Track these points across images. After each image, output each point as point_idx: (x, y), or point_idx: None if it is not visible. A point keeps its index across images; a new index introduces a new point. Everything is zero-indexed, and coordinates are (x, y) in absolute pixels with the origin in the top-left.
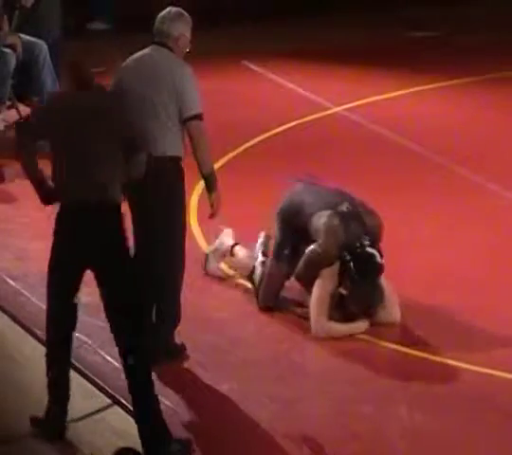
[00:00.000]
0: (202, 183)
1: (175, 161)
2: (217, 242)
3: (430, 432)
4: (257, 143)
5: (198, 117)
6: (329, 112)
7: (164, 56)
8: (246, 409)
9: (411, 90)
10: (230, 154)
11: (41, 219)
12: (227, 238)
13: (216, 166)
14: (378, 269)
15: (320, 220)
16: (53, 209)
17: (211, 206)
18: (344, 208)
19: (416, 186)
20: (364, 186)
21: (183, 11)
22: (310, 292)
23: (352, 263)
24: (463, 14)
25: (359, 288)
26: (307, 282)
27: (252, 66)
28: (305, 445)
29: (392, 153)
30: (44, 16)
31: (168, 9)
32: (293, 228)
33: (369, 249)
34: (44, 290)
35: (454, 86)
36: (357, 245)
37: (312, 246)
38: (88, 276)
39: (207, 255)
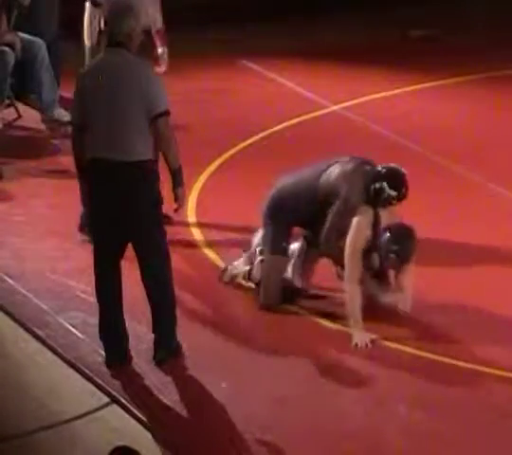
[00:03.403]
0: (199, 182)
1: (150, 164)
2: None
3: (428, 431)
4: (255, 141)
5: (167, 113)
6: (327, 110)
7: (124, 58)
8: (242, 406)
9: (409, 89)
10: (229, 152)
11: (39, 218)
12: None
13: (214, 164)
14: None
15: (332, 176)
16: (48, 210)
17: (176, 200)
18: (346, 158)
19: (413, 184)
20: None
21: (129, 4)
22: (338, 263)
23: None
24: (461, 13)
25: (398, 232)
26: (334, 255)
27: (251, 65)
28: (302, 442)
29: (389, 151)
30: (42, 15)
31: (114, 5)
32: (286, 222)
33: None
34: (41, 288)
35: (453, 85)
36: (377, 186)
37: (334, 205)
38: (90, 276)
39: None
